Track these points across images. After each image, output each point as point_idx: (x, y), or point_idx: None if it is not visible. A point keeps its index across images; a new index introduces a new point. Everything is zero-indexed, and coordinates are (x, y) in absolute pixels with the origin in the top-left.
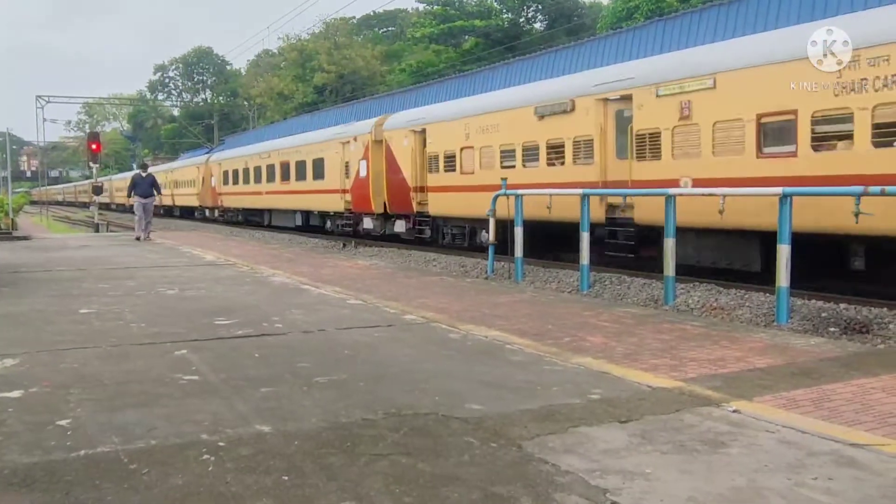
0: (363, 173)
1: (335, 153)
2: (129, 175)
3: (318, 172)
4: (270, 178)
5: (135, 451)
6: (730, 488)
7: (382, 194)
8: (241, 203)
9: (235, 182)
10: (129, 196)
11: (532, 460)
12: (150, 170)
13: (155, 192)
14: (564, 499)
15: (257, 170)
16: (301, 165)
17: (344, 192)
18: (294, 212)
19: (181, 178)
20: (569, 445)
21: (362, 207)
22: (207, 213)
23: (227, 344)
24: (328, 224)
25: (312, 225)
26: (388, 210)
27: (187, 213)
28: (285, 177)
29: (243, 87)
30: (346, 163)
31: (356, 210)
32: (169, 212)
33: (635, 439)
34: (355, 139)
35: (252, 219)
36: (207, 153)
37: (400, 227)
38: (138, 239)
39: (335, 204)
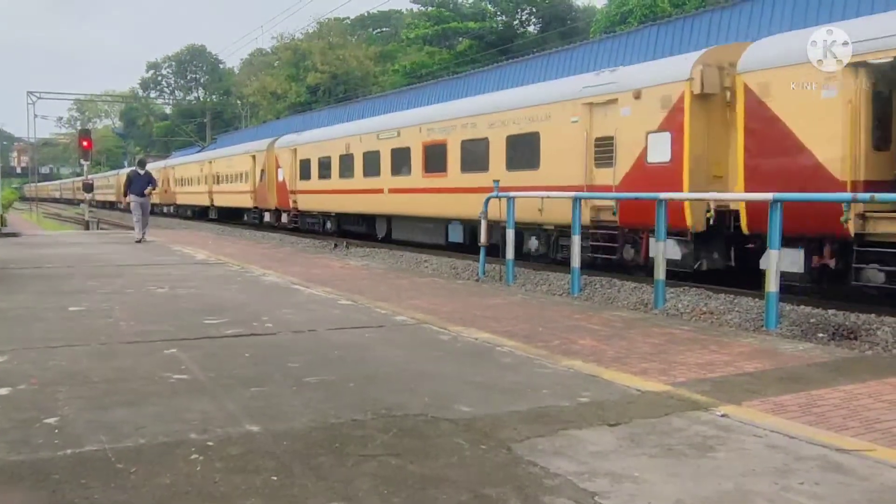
0: (659, 157)
1: (572, 123)
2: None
3: (522, 158)
4: (399, 169)
5: (123, 449)
6: (717, 492)
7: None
8: (331, 205)
9: (324, 175)
10: (125, 195)
11: (521, 462)
12: (176, 160)
13: (148, 186)
14: (553, 501)
15: (370, 156)
16: (477, 147)
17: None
18: (447, 221)
19: (225, 170)
20: (558, 448)
21: (673, 221)
22: (268, 216)
23: (216, 343)
24: (532, 245)
25: (476, 244)
26: (745, 228)
27: (229, 215)
28: (435, 166)
29: (236, 85)
30: (608, 140)
31: (635, 224)
32: (202, 214)
33: (624, 442)
34: (637, 96)
35: (352, 228)
36: (272, 137)
37: (795, 261)
38: (139, 241)
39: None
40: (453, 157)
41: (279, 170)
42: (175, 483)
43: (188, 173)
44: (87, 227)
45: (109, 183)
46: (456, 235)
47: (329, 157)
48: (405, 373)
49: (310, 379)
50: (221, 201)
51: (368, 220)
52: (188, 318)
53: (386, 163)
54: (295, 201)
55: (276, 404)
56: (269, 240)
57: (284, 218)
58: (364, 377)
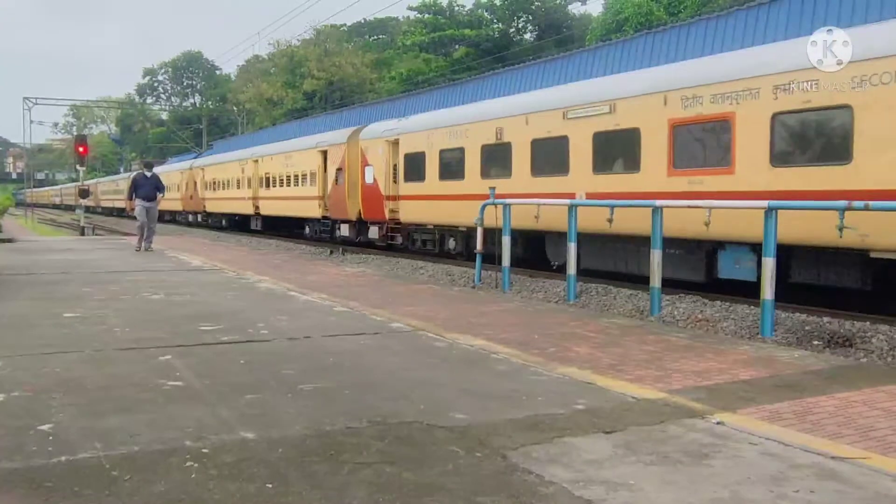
0: None
1: None
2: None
3: None
4: (609, 163)
5: (117, 457)
6: (712, 500)
7: None
8: (462, 216)
9: (450, 174)
10: (129, 198)
11: (516, 470)
12: (207, 159)
13: (158, 195)
14: None
15: (547, 146)
16: (811, 124)
17: None
18: (715, 244)
19: (281, 170)
20: (553, 455)
21: None
22: (345, 230)
23: (211, 350)
24: None
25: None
26: None
27: (279, 226)
28: (696, 158)
29: (233, 92)
30: None
31: None
32: (240, 225)
33: (619, 450)
34: None
35: (494, 250)
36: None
37: None
38: (138, 250)
39: None
40: (750, 142)
41: (367, 168)
42: (169, 491)
43: (224, 174)
44: (82, 233)
45: (118, 188)
46: (736, 268)
47: (461, 149)
48: (400, 380)
49: (305, 386)
50: (272, 209)
51: (529, 238)
52: (183, 325)
53: (581, 154)
54: (394, 210)
55: (271, 411)
56: (265, 246)
57: (374, 232)
58: (359, 384)
